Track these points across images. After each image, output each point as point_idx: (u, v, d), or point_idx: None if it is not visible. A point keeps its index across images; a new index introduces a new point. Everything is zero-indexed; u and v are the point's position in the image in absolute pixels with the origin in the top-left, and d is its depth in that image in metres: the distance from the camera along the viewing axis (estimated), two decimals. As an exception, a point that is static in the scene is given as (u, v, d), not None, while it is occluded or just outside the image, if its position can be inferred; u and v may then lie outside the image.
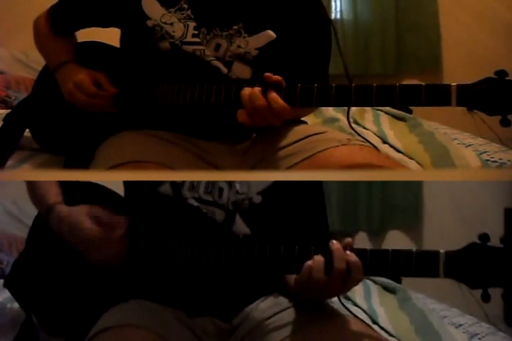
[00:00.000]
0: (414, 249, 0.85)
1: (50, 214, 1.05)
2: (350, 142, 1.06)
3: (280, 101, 0.96)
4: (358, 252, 0.87)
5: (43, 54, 1.25)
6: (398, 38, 3.25)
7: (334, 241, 0.88)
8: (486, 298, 0.81)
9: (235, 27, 1.10)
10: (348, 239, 0.89)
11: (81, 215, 1.01)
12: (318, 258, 0.87)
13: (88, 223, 1.00)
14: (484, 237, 0.83)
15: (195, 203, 1.03)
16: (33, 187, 1.11)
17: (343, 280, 0.86)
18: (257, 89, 0.97)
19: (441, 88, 0.90)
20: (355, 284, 0.89)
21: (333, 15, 3.26)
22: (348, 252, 0.87)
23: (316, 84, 0.97)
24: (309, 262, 0.88)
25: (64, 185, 1.12)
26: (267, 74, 0.99)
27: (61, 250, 1.06)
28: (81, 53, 1.22)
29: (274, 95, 0.96)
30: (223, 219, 1.03)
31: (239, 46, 1.10)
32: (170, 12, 1.11)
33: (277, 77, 0.99)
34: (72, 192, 1.12)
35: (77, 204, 1.07)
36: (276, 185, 1.05)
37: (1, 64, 2.59)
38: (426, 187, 2.83)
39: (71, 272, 1.06)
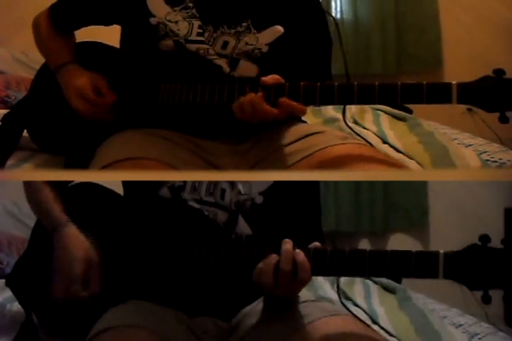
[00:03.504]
0: (413, 250, 0.85)
1: (55, 235, 1.04)
2: (348, 141, 1.06)
3: (264, 106, 0.98)
4: (357, 253, 0.87)
5: (43, 53, 1.25)
6: (398, 38, 3.24)
7: (287, 240, 0.89)
8: (486, 299, 0.81)
9: (244, 24, 1.11)
10: (316, 243, 0.90)
11: (79, 252, 1.01)
12: (270, 261, 0.88)
13: (81, 264, 1.00)
14: (485, 238, 0.83)
15: (196, 205, 1.03)
16: (34, 198, 1.11)
17: (289, 281, 0.87)
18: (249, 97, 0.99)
19: (442, 86, 0.92)
20: (303, 284, 0.89)
21: (333, 15, 3.26)
22: (297, 251, 0.88)
23: (319, 83, 0.98)
24: (260, 264, 0.88)
25: (64, 187, 1.12)
26: (263, 79, 1.00)
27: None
28: (80, 53, 1.22)
29: (256, 101, 0.98)
30: (226, 221, 1.03)
31: (247, 43, 1.11)
32: (175, 10, 1.11)
33: (273, 81, 1.00)
34: (74, 192, 1.12)
35: (79, 205, 1.07)
36: (278, 184, 1.06)
37: (1, 64, 2.58)
38: (430, 188, 2.82)
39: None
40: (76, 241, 1.02)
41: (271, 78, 1.01)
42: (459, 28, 3.19)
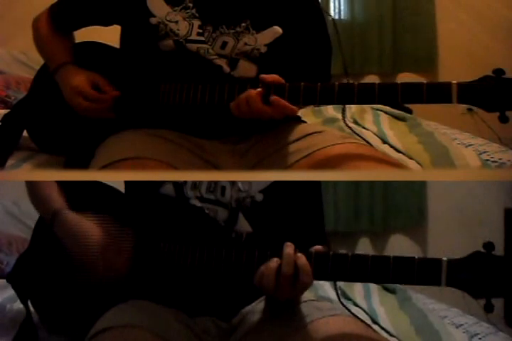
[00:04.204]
0: (416, 256, 0.84)
1: (56, 220, 1.03)
2: (347, 140, 1.06)
3: (259, 104, 0.98)
4: (359, 258, 0.86)
5: (42, 53, 1.25)
6: (395, 38, 3.25)
7: (288, 244, 0.89)
8: (489, 308, 0.80)
9: (243, 24, 1.11)
10: (317, 247, 0.89)
11: (90, 224, 1.00)
12: (271, 265, 0.87)
13: (97, 232, 0.99)
14: (489, 246, 0.82)
15: (197, 203, 1.03)
16: (34, 190, 1.11)
17: (291, 284, 0.87)
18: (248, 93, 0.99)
19: (442, 86, 0.93)
20: (305, 288, 0.89)
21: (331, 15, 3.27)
22: (298, 254, 0.87)
23: (319, 83, 0.98)
24: (262, 268, 0.88)
25: (66, 184, 1.11)
26: (262, 76, 1.01)
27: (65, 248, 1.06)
28: (79, 54, 1.21)
29: (252, 97, 0.98)
30: (226, 218, 1.03)
31: (246, 43, 1.11)
32: (175, 10, 1.11)
33: (273, 79, 1.00)
34: (75, 192, 1.12)
35: (81, 204, 1.07)
36: (278, 183, 1.06)
37: (1, 64, 2.59)
38: (429, 188, 2.82)
39: (74, 270, 1.06)
40: (80, 222, 1.01)
41: (270, 76, 1.01)
42: (455, 27, 3.19)
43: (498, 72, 0.91)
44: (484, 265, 0.81)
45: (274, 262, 0.88)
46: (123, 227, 1.01)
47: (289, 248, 0.88)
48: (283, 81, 1.01)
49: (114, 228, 1.00)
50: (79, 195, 1.10)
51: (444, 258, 0.83)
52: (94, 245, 0.99)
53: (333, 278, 0.90)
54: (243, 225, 1.03)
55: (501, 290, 0.80)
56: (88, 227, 1.00)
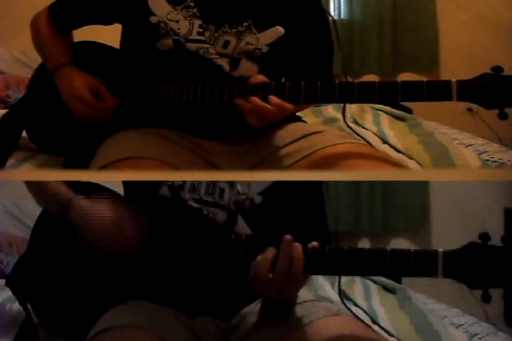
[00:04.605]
0: (412, 248, 0.85)
1: (71, 208, 1.03)
2: (347, 140, 1.06)
3: (264, 105, 0.98)
4: (355, 251, 0.87)
5: (40, 53, 1.24)
6: (396, 38, 3.25)
7: (287, 236, 0.89)
8: (486, 298, 0.81)
9: (245, 24, 1.11)
10: (314, 243, 0.89)
11: (105, 205, 1.01)
12: (268, 254, 0.87)
13: (113, 210, 1.00)
14: (484, 237, 0.82)
15: (195, 204, 1.03)
16: (40, 185, 1.10)
17: (285, 274, 0.86)
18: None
19: (442, 84, 0.93)
20: (297, 279, 0.88)
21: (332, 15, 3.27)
22: (295, 244, 0.87)
23: (319, 82, 0.98)
24: (259, 257, 0.88)
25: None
26: (251, 78, 1.01)
27: (64, 249, 1.06)
28: (78, 53, 1.21)
29: (255, 99, 0.99)
30: (225, 220, 1.03)
31: (248, 43, 1.11)
32: (176, 9, 1.11)
33: (261, 80, 1.01)
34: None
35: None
36: (277, 185, 1.06)
37: (1, 64, 2.59)
38: (431, 188, 2.82)
39: (73, 272, 1.06)
40: (98, 205, 1.02)
41: (260, 78, 1.02)
42: (456, 28, 3.19)
43: (497, 69, 0.92)
44: (480, 255, 0.81)
45: (270, 252, 0.88)
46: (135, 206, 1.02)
47: (287, 236, 0.89)
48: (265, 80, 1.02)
49: (126, 206, 1.01)
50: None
51: (440, 250, 0.83)
52: (110, 222, 0.99)
53: (330, 272, 0.91)
54: (242, 227, 1.03)
55: (498, 280, 0.80)
56: (104, 207, 1.01)
